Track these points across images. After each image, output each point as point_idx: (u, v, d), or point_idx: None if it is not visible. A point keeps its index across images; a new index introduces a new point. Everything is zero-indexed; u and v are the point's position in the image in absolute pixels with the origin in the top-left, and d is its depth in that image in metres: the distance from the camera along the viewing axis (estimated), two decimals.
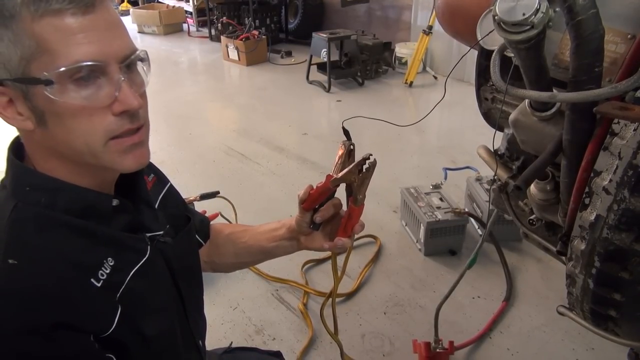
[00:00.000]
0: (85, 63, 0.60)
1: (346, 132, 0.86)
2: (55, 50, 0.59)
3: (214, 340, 1.81)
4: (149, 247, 0.75)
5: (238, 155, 3.32)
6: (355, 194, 0.82)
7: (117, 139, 0.65)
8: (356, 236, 0.88)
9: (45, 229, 0.64)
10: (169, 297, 0.80)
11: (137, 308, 0.70)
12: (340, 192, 0.85)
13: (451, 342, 1.68)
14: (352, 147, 0.84)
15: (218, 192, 2.26)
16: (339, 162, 0.83)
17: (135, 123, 0.66)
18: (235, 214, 2.32)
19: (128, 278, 0.69)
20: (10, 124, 0.65)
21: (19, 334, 0.58)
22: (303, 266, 2.18)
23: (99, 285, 0.65)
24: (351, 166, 0.80)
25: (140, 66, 0.69)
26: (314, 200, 0.85)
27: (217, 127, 3.93)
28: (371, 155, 0.80)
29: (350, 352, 1.74)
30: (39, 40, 0.58)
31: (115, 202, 0.71)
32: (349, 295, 2.03)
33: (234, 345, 1.27)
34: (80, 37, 0.59)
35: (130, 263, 0.71)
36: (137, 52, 0.66)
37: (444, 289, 1.65)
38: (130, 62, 0.65)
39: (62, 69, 0.59)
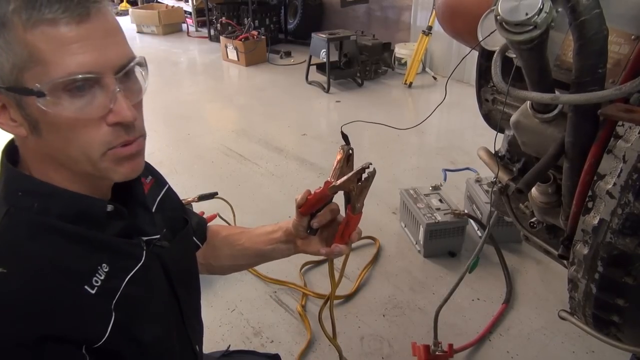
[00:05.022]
0: (79, 76, 0.57)
1: (345, 137, 0.85)
2: (48, 60, 0.57)
3: (211, 342, 1.80)
4: (144, 252, 0.73)
5: (237, 156, 3.31)
6: (354, 203, 0.81)
7: (114, 149, 0.63)
8: None
9: (38, 235, 0.62)
10: (165, 303, 0.78)
11: (133, 315, 0.68)
12: (339, 197, 0.84)
13: (450, 345, 1.67)
14: (350, 151, 0.83)
15: (216, 193, 2.25)
16: (338, 167, 0.82)
17: (131, 135, 0.64)
18: (234, 215, 2.30)
19: (123, 284, 0.68)
20: (4, 130, 0.64)
21: (5, 346, 0.57)
22: (302, 268, 2.16)
23: (93, 292, 0.63)
24: (350, 174, 0.79)
25: (138, 71, 0.66)
26: (312, 206, 0.84)
27: (216, 127, 3.92)
28: (371, 164, 0.79)
29: (348, 354, 1.72)
30: (31, 49, 0.56)
31: (109, 208, 0.70)
32: (348, 297, 2.02)
33: (231, 349, 1.26)
34: (74, 47, 0.57)
35: (125, 269, 0.69)
36: (135, 60, 0.64)
37: (444, 291, 1.64)
38: (127, 71, 0.62)
39: (55, 81, 0.57)
